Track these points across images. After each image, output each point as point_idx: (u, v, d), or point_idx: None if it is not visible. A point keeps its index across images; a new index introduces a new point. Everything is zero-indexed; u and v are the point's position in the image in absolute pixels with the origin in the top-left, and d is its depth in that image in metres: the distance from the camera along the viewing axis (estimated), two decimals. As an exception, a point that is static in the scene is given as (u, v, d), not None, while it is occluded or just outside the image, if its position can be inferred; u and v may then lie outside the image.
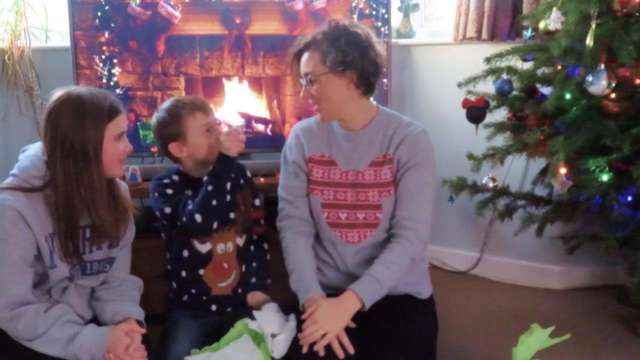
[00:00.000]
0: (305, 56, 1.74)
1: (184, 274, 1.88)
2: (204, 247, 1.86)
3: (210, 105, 1.95)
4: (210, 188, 1.77)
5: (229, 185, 1.80)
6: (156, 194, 1.86)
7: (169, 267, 1.91)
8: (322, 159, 1.84)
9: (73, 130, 1.52)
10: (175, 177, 1.89)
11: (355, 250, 1.81)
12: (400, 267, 1.72)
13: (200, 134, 1.84)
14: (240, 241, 1.90)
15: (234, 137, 1.79)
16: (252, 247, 1.94)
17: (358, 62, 1.70)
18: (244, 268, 1.90)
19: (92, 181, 1.55)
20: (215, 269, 1.87)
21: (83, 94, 1.56)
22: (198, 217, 1.76)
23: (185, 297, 1.89)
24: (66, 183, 1.53)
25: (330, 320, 1.61)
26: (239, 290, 1.89)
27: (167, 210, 1.82)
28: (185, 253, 1.86)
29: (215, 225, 1.80)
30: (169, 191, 1.85)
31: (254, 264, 1.93)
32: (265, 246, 1.98)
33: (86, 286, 1.70)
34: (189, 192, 1.85)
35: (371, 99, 1.85)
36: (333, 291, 1.75)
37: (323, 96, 1.74)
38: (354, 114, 1.80)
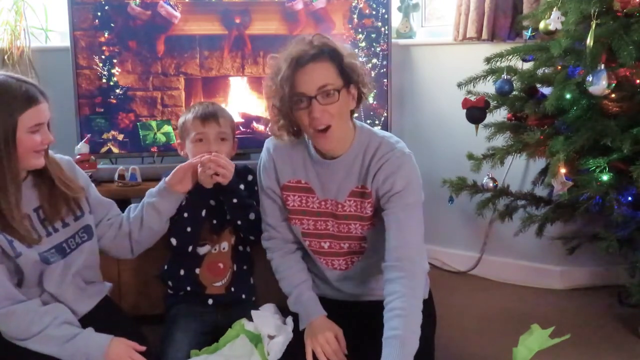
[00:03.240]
0: (313, 67, 1.55)
1: (182, 272, 1.88)
2: (202, 250, 1.87)
3: (223, 115, 1.86)
4: (185, 215, 1.79)
5: (204, 212, 1.81)
6: None
7: (165, 266, 1.92)
8: (298, 185, 1.70)
9: None
10: None
11: (344, 275, 1.75)
12: (418, 307, 1.53)
13: (190, 141, 1.84)
14: (234, 240, 1.91)
15: (205, 169, 1.74)
16: (245, 247, 1.95)
17: (360, 75, 1.60)
18: (235, 267, 1.91)
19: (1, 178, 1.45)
20: (210, 268, 1.88)
21: None
22: (173, 241, 1.82)
23: (182, 293, 1.89)
24: None
25: None
26: (232, 289, 1.90)
27: None
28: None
29: (190, 248, 1.83)
30: None
31: (244, 267, 1.94)
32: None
33: (79, 265, 1.65)
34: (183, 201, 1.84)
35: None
36: (326, 298, 1.74)
37: (337, 112, 1.55)
38: (342, 138, 1.63)
